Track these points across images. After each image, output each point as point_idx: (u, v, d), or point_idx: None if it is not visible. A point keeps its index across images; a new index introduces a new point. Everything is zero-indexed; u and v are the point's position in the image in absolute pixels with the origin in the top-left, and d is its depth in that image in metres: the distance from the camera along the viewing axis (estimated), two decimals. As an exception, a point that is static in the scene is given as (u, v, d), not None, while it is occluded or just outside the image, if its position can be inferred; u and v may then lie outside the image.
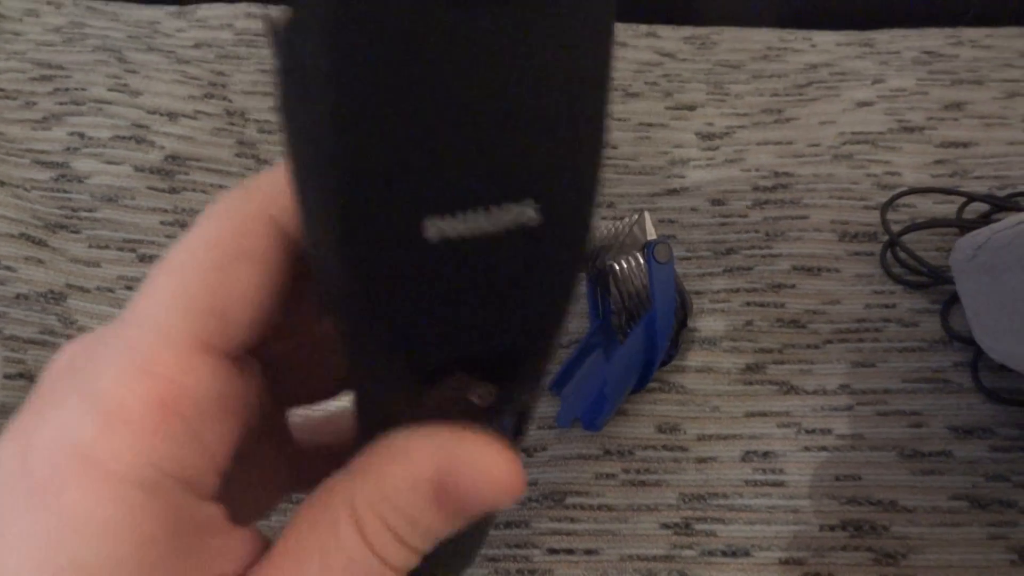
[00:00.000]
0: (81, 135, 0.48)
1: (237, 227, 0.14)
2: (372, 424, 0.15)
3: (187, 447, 0.13)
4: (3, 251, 0.42)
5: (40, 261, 0.42)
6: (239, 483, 0.15)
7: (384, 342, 0.13)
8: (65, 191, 0.46)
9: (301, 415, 0.19)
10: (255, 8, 0.58)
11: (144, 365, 0.13)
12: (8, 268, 0.41)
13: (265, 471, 0.18)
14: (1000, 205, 0.44)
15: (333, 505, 0.14)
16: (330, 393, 0.18)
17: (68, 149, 0.48)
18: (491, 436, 0.14)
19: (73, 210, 0.45)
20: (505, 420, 0.16)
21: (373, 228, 0.12)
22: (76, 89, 0.51)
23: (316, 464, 0.18)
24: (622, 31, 0.58)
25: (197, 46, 0.56)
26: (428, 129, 0.11)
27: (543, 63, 0.11)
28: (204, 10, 0.58)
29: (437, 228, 0.12)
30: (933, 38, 0.56)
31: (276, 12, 0.11)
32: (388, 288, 0.12)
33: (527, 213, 0.12)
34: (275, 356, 0.17)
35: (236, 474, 0.15)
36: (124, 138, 0.48)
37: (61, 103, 0.50)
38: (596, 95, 0.12)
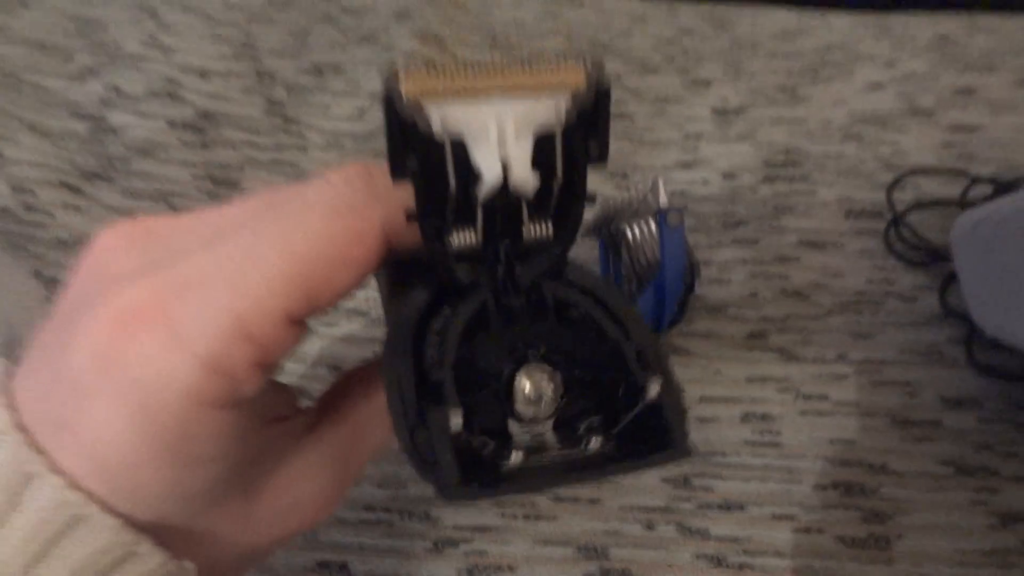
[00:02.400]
0: (116, 89, 0.50)
1: (353, 233, 0.17)
2: None
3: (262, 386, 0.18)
4: (44, 198, 0.44)
5: (77, 208, 0.44)
6: None
7: None
8: (101, 142, 0.48)
9: None
10: (284, -28, 0.60)
11: (246, 332, 0.16)
12: (48, 214, 0.43)
13: None
14: (1004, 187, 0.45)
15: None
16: None
17: (103, 102, 0.50)
18: None
19: (108, 161, 0.47)
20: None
21: None
22: (112, 45, 0.53)
23: None
24: (643, 6, 0.59)
25: (228, 7, 0.57)
26: None
27: None
28: (235, -28, 0.59)
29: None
30: (948, 23, 0.56)
31: None
32: None
33: None
34: None
35: None
36: (157, 94, 0.50)
37: (97, 58, 0.52)
38: None
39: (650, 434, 0.18)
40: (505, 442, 0.18)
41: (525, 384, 0.18)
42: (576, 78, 0.15)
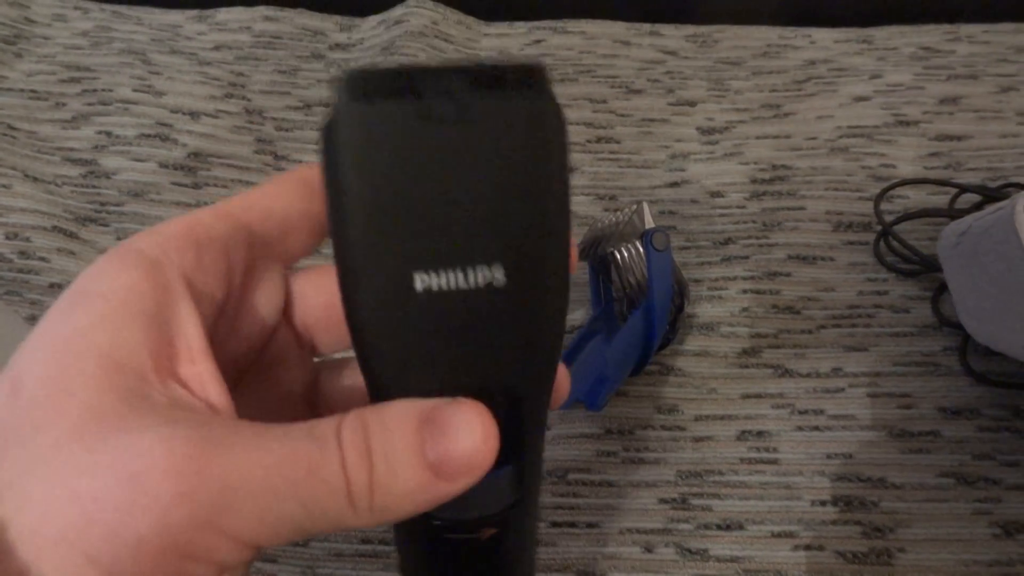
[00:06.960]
0: (108, 133, 0.51)
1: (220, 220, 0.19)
2: None
3: (194, 258, 0.18)
4: (38, 243, 0.44)
5: (72, 252, 0.45)
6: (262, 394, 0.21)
7: (388, 368, 0.17)
8: (94, 186, 0.48)
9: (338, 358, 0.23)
10: (272, 12, 0.61)
11: (187, 219, 0.19)
12: (43, 259, 0.44)
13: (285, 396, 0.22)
14: (991, 196, 0.45)
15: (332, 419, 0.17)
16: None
17: (96, 147, 0.50)
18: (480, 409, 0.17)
19: (102, 204, 0.47)
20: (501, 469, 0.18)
21: (378, 272, 0.16)
22: (103, 90, 0.54)
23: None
24: (626, 30, 0.60)
25: (217, 48, 0.58)
26: (419, 207, 0.16)
27: (504, 168, 0.16)
28: (223, 14, 0.61)
29: (423, 281, 0.16)
30: (931, 34, 0.57)
31: (324, 116, 0.16)
32: (388, 321, 0.16)
33: (496, 275, 0.16)
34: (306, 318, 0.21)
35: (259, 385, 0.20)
36: (149, 136, 0.51)
37: (89, 103, 0.53)
38: (554, 190, 0.16)
39: None
40: None
41: None
42: None
